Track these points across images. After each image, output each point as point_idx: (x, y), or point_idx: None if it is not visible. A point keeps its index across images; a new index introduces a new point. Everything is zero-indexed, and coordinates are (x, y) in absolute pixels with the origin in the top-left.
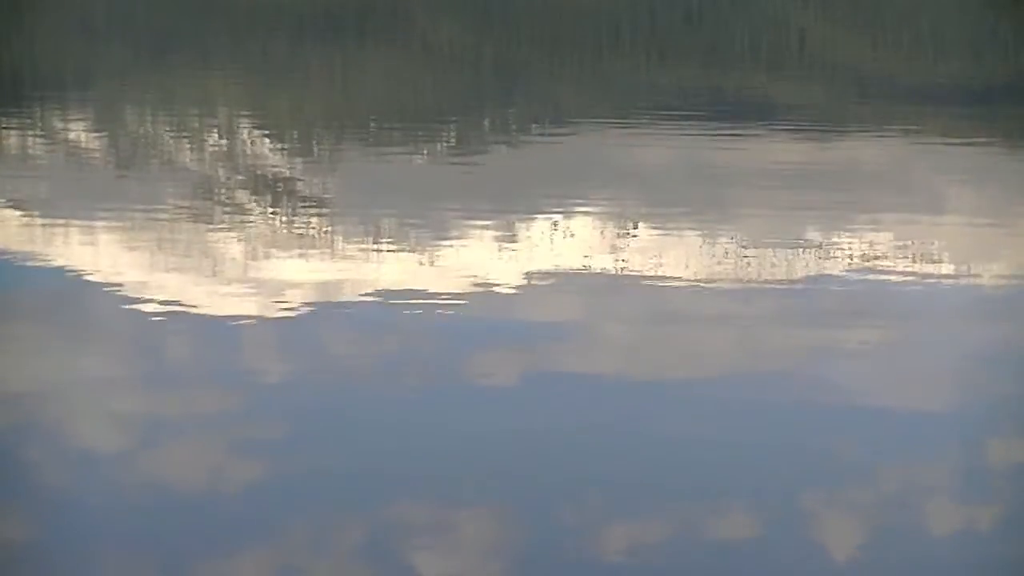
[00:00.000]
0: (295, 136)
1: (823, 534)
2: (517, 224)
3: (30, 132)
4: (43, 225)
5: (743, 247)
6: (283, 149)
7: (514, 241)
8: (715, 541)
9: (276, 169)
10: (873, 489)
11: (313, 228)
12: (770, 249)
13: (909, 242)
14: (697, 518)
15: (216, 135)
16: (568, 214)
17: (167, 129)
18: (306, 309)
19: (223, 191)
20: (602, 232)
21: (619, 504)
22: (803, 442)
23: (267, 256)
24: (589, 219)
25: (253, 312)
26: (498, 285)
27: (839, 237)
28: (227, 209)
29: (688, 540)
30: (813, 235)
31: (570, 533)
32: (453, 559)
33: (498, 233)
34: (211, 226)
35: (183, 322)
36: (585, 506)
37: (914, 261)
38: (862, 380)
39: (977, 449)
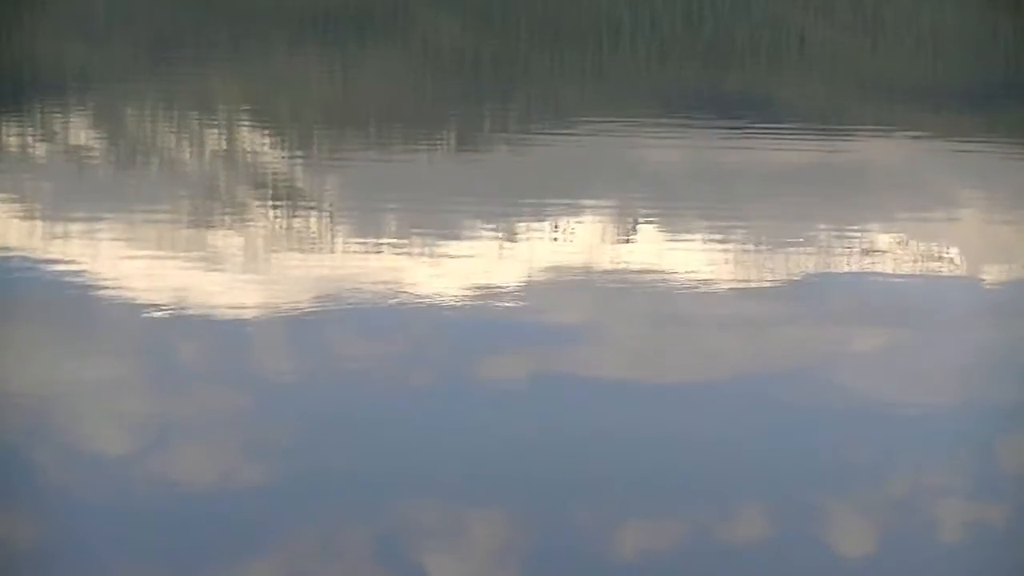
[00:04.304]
0: (295, 136)
1: (833, 534)
2: (519, 224)
3: (30, 132)
4: (44, 225)
5: (746, 247)
6: (283, 149)
7: (516, 241)
8: (725, 542)
9: (276, 169)
10: (882, 489)
11: (314, 228)
12: (774, 249)
13: (914, 241)
14: (706, 519)
15: (216, 135)
16: (569, 214)
17: (167, 129)
18: (307, 310)
19: (223, 191)
20: (603, 232)
21: (629, 505)
22: (812, 443)
23: (268, 256)
24: (591, 219)
25: (255, 313)
26: (500, 285)
27: (842, 237)
28: (228, 209)
29: (698, 541)
30: (817, 235)
31: (581, 535)
32: (463, 561)
33: (500, 233)
34: (212, 226)
35: (185, 322)
36: (595, 508)
37: (920, 261)
38: (871, 380)
39: (987, 449)
